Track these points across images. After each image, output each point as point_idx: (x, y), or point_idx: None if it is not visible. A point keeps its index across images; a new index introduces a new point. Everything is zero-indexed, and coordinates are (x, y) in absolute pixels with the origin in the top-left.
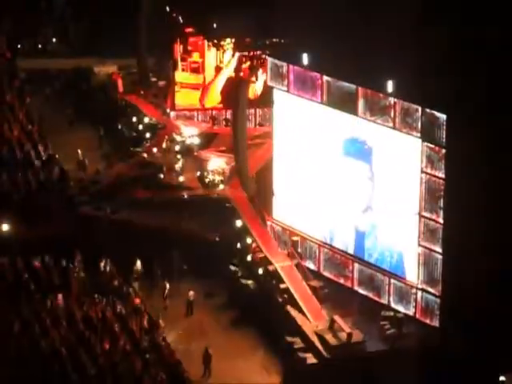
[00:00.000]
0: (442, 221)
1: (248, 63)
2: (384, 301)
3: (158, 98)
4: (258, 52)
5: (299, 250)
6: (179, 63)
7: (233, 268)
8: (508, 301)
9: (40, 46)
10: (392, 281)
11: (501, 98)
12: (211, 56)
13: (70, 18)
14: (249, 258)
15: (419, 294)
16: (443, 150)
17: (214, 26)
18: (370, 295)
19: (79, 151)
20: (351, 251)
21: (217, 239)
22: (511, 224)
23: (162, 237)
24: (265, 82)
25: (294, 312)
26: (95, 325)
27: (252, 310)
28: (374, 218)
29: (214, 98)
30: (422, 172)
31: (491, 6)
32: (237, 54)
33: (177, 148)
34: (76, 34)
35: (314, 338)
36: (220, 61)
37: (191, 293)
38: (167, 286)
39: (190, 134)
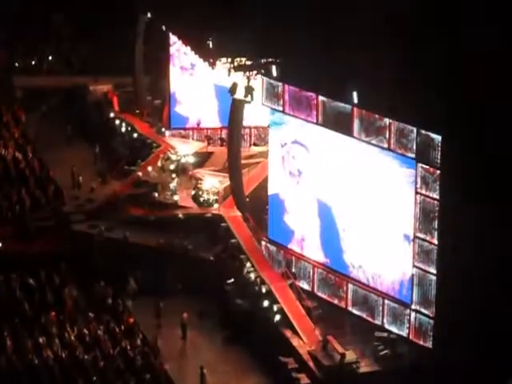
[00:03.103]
0: (436, 242)
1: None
2: (378, 322)
3: (153, 116)
4: (254, 72)
5: (293, 270)
6: None
7: (227, 287)
8: (503, 322)
9: (36, 63)
10: (386, 302)
11: (496, 119)
12: None
13: (67, 36)
14: (243, 277)
15: (413, 315)
16: (438, 171)
17: (210, 46)
18: (364, 316)
19: (74, 169)
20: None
21: (211, 258)
22: (506, 245)
23: (156, 255)
24: None
25: (287, 332)
26: (88, 343)
27: (246, 329)
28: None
29: None
30: (417, 193)
31: (488, 24)
32: None
33: (171, 167)
34: (72, 52)
35: (308, 359)
36: None
37: (185, 315)
38: (161, 304)
39: (184, 152)
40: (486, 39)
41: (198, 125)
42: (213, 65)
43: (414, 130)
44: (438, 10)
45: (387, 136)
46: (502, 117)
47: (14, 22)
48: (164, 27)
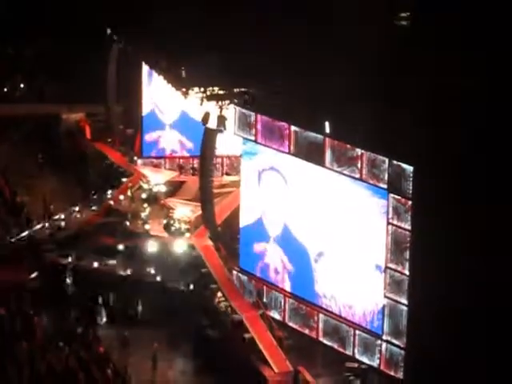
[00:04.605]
0: (407, 272)
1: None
2: (349, 352)
3: (125, 145)
4: (226, 101)
5: (264, 300)
6: None
7: (198, 317)
8: (472, 353)
9: (8, 91)
10: (357, 332)
11: (468, 150)
12: None
13: (39, 64)
14: (214, 307)
15: (384, 345)
16: (409, 202)
17: (183, 75)
18: (335, 346)
19: (46, 197)
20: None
21: (182, 288)
22: (478, 276)
23: (126, 285)
24: None
25: (258, 362)
26: (59, 373)
27: (217, 359)
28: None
29: None
30: (389, 223)
31: (462, 56)
32: None
33: (143, 196)
34: (44, 81)
35: None
36: None
37: (155, 345)
38: (126, 333)
39: (156, 181)
40: (457, 71)
41: (171, 154)
42: (185, 94)
43: (386, 160)
44: (410, 40)
45: (359, 166)
46: (473, 148)
47: None
48: (136, 56)
